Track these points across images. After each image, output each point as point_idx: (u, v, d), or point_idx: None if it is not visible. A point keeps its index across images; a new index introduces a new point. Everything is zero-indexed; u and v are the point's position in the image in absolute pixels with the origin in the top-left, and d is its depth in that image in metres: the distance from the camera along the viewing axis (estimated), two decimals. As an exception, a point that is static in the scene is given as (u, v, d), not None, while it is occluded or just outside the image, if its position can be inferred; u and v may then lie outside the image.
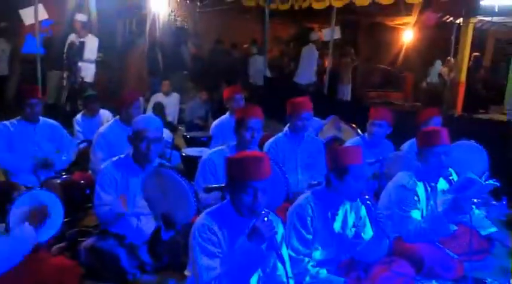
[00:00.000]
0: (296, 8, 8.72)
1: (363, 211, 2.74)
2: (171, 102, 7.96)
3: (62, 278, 2.38)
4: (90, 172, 4.19)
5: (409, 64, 13.46)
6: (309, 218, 2.57)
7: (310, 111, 4.03)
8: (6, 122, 3.95)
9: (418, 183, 3.10)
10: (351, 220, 2.72)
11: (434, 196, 3.18)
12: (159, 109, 7.71)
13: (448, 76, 10.80)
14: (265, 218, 2.09)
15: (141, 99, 7.92)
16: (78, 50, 7.10)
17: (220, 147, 3.62)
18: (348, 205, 2.71)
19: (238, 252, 2.08)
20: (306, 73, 9.85)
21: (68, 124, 5.78)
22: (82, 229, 3.34)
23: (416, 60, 13.27)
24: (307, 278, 2.49)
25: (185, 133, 5.02)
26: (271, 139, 4.08)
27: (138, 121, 2.97)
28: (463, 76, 10.01)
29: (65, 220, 3.40)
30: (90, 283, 2.51)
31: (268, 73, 10.42)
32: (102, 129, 4.19)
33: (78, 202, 3.75)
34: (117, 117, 4.26)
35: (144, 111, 7.53)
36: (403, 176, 3.14)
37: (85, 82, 7.17)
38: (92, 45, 7.34)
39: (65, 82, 7.23)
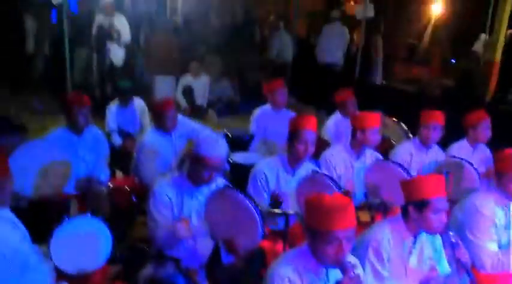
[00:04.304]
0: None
1: (439, 242, 2.60)
2: (201, 85, 7.76)
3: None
4: (132, 175, 4.11)
5: (437, 39, 13.01)
6: (385, 254, 2.43)
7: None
8: (56, 131, 3.71)
9: (496, 208, 2.91)
10: (427, 252, 2.58)
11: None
12: (188, 92, 7.54)
13: (482, 54, 10.42)
14: (353, 273, 1.94)
15: (171, 79, 7.80)
16: (108, 32, 6.88)
17: (270, 158, 3.49)
18: (424, 235, 2.56)
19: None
20: (329, 52, 9.35)
21: (97, 110, 5.67)
22: (134, 245, 3.24)
23: (445, 35, 12.83)
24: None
25: (226, 132, 4.83)
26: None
27: (203, 144, 2.76)
28: (498, 56, 9.61)
29: (113, 232, 3.38)
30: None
31: (294, 51, 10.07)
32: (142, 139, 4.08)
33: (125, 211, 3.66)
34: (152, 124, 4.16)
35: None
36: (481, 200, 2.94)
37: (114, 66, 7.00)
38: (120, 25, 7.10)
39: (94, 66, 7.05)
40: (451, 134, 4.39)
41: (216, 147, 2.76)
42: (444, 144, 4.35)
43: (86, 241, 2.55)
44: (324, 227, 1.96)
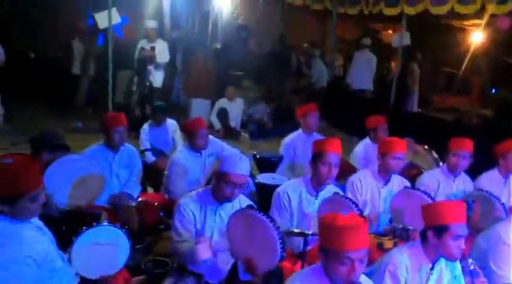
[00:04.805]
0: (366, 12, 8.42)
1: (458, 269, 2.58)
2: (235, 108, 7.96)
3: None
4: (162, 192, 4.26)
5: (477, 68, 12.79)
6: (402, 279, 2.43)
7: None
8: (94, 147, 3.92)
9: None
10: (445, 279, 2.55)
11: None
12: (223, 115, 7.75)
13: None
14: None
15: (207, 102, 8.05)
16: (149, 56, 7.22)
17: (294, 179, 3.55)
18: (443, 262, 2.55)
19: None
20: (359, 79, 9.62)
21: (135, 128, 5.92)
22: (158, 258, 3.35)
23: (485, 64, 12.59)
24: None
25: (255, 153, 4.96)
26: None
27: (226, 161, 2.87)
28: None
29: (139, 246, 3.52)
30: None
31: (330, 77, 10.20)
32: (173, 156, 4.24)
33: (153, 225, 3.80)
34: (185, 143, 4.31)
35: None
36: (506, 230, 2.90)
37: (154, 87, 7.30)
38: (161, 50, 7.45)
39: (134, 87, 7.38)
40: (488, 164, 4.33)
41: (238, 164, 2.84)
42: (476, 172, 4.29)
43: (105, 247, 2.65)
44: (337, 247, 2.00)
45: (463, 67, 12.76)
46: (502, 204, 3.54)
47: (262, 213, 2.61)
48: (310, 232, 2.79)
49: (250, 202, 3.07)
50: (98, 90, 8.42)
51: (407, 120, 7.92)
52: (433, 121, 8.01)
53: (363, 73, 9.45)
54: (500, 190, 4.00)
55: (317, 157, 3.28)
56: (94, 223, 2.72)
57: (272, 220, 2.58)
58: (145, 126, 5.42)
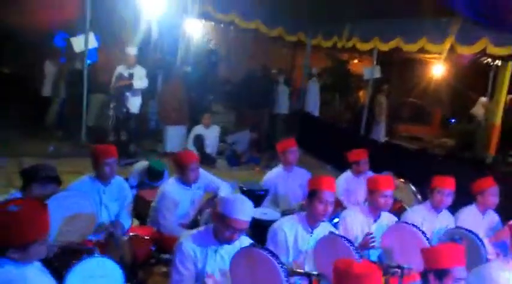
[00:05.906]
0: (339, 46, 8.71)
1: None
2: (211, 135, 7.97)
3: None
4: (150, 225, 4.19)
5: (438, 99, 13.39)
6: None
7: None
8: (84, 178, 3.80)
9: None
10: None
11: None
12: (199, 141, 7.73)
13: (485, 117, 10.67)
14: None
15: (183, 129, 7.99)
16: (127, 81, 7.16)
17: (290, 216, 3.57)
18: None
19: None
20: (310, 106, 10.61)
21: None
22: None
23: (446, 95, 13.20)
24: None
25: (241, 185, 4.97)
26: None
27: (227, 204, 2.80)
28: (498, 119, 9.90)
29: (135, 282, 3.44)
30: None
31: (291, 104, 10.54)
32: (163, 189, 4.16)
33: (145, 260, 3.72)
34: (175, 176, 4.23)
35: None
36: (497, 269, 3.02)
37: (130, 113, 7.21)
38: (140, 76, 7.39)
39: (111, 112, 7.26)
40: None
41: (241, 209, 2.78)
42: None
43: (98, 280, 2.65)
44: None
45: (426, 97, 13.42)
46: (481, 241, 3.70)
47: (267, 251, 2.61)
48: (315, 273, 2.82)
49: (251, 241, 3.06)
50: (69, 113, 8.22)
51: (377, 149, 8.15)
52: (399, 150, 8.30)
53: (312, 101, 10.52)
54: (478, 226, 4.18)
55: (313, 195, 3.32)
56: (85, 256, 2.68)
57: (277, 258, 2.59)
58: (138, 168, 5.18)
